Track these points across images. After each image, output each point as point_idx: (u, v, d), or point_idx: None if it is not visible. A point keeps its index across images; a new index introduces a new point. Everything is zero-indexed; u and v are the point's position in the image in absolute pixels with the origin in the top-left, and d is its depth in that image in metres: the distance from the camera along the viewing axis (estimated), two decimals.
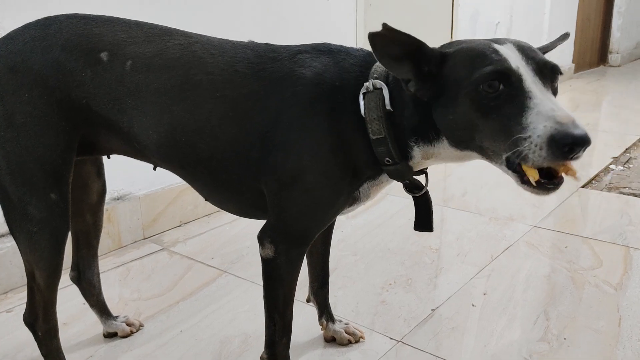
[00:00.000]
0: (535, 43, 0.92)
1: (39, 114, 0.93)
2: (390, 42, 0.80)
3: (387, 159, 0.92)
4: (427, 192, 1.01)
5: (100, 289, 1.29)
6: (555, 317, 1.36)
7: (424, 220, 1.04)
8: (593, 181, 2.39)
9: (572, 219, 1.98)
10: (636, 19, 6.99)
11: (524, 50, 0.81)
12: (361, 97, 0.91)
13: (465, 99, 0.80)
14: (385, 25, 0.77)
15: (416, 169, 0.96)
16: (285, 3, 2.24)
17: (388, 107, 0.89)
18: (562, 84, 5.13)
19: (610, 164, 2.61)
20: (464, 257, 1.69)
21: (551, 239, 1.81)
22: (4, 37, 0.97)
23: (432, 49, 0.84)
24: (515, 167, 0.79)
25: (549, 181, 0.78)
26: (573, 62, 5.57)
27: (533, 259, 1.67)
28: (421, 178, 1.01)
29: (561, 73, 0.85)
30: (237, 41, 1.01)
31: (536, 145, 0.73)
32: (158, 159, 1.02)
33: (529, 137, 0.74)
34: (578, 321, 1.34)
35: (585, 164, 2.61)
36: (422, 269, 1.62)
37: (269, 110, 0.93)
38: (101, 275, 1.29)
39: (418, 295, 1.48)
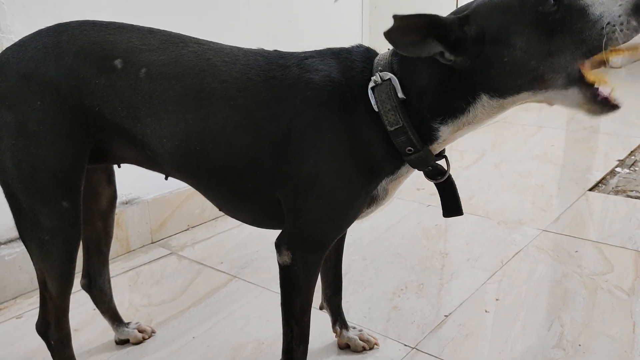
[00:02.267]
0: None
1: (51, 121, 0.92)
2: (405, 31, 0.80)
3: (409, 147, 0.91)
4: (450, 176, 1.00)
5: (111, 296, 1.28)
6: (569, 323, 1.35)
7: (452, 205, 1.02)
8: (600, 184, 2.39)
9: (580, 222, 1.98)
10: None
11: None
12: (370, 91, 0.90)
13: (524, 29, 0.81)
14: (395, 17, 0.78)
15: (437, 150, 0.95)
16: (292, 7, 2.23)
17: (401, 95, 0.89)
18: None
19: (616, 167, 2.61)
20: (474, 261, 1.69)
21: (561, 243, 1.81)
22: (15, 44, 0.96)
23: (448, 18, 0.84)
24: (579, 80, 0.82)
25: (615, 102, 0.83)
26: None
27: (544, 263, 1.66)
28: (442, 163, 0.99)
29: None
30: (248, 49, 1.00)
31: (622, 24, 0.77)
32: (171, 168, 1.01)
33: (609, 22, 0.78)
34: (592, 327, 1.33)
35: (591, 167, 2.61)
36: (433, 273, 1.62)
37: (282, 118, 0.92)
38: (111, 281, 1.28)
39: (430, 301, 1.47)
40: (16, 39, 0.97)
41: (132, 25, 0.99)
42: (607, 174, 2.51)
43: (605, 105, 0.83)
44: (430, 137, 0.91)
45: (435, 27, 0.82)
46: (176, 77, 0.94)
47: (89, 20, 0.98)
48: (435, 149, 0.94)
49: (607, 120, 3.73)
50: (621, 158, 2.74)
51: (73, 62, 0.92)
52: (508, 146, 3.04)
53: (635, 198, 2.21)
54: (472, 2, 0.87)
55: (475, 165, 2.68)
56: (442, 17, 0.83)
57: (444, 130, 0.91)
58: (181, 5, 1.82)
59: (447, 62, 0.84)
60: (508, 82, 0.84)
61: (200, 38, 1.01)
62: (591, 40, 0.79)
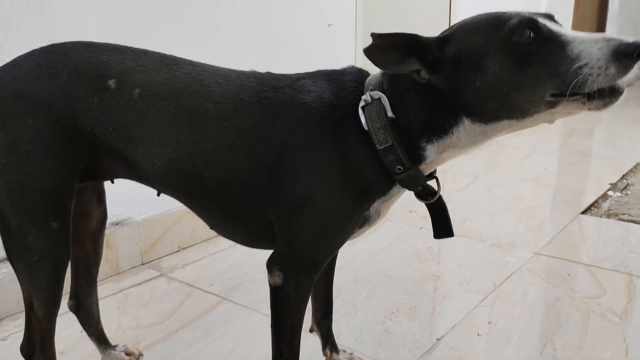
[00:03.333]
0: None
1: (43, 141, 0.92)
2: (385, 49, 0.82)
3: (398, 166, 0.91)
4: (440, 197, 1.00)
5: (99, 318, 1.26)
6: (562, 347, 1.34)
7: (442, 226, 1.02)
8: (592, 207, 2.40)
9: (573, 245, 1.98)
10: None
11: (534, 13, 0.85)
12: (360, 110, 0.91)
13: (497, 56, 0.81)
14: (373, 35, 0.80)
15: (427, 171, 0.95)
16: (287, 30, 2.26)
17: (390, 114, 0.89)
18: None
19: (609, 190, 2.62)
20: (467, 284, 1.68)
21: (553, 266, 1.80)
22: (8, 64, 0.96)
23: (428, 37, 0.85)
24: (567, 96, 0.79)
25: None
26: None
27: (536, 286, 1.66)
28: (432, 184, 1.00)
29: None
30: (241, 70, 1.01)
31: (600, 68, 0.75)
32: (162, 187, 1.01)
33: (587, 63, 0.76)
34: (585, 351, 1.32)
35: (584, 190, 2.62)
36: (425, 296, 1.61)
37: (274, 138, 0.92)
38: (99, 302, 1.27)
39: (422, 323, 1.45)
40: (9, 59, 0.98)
41: (126, 46, 1.00)
42: (600, 197, 2.52)
43: (606, 96, 0.79)
44: (418, 156, 0.91)
45: (414, 46, 0.84)
46: (169, 98, 0.94)
47: (83, 41, 0.99)
48: (425, 169, 0.95)
49: (599, 144, 3.76)
50: (613, 181, 2.76)
51: (66, 82, 0.93)
52: (501, 169, 3.05)
53: (628, 221, 2.21)
54: (455, 24, 0.89)
55: (469, 188, 2.68)
56: (421, 36, 0.85)
57: (430, 150, 0.91)
58: (177, 29, 1.84)
59: (422, 80, 0.85)
60: (484, 107, 0.84)
61: (194, 60, 1.02)
62: (565, 77, 0.77)
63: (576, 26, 5.70)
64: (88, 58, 0.95)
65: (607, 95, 0.78)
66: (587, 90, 0.76)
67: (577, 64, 0.76)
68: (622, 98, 0.81)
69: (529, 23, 0.80)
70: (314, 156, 0.91)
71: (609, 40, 0.77)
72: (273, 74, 1.00)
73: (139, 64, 0.96)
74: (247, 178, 0.94)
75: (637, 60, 0.76)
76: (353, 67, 0.99)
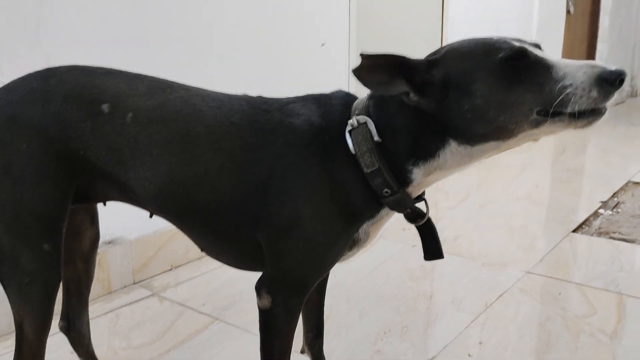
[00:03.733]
0: None
1: (37, 164, 0.93)
2: (373, 69, 0.84)
3: (386, 189, 0.92)
4: (429, 219, 1.01)
5: (89, 339, 1.26)
6: None
7: (432, 248, 1.03)
8: (583, 226, 2.42)
9: (564, 264, 1.99)
10: (617, 64, 7.20)
11: (523, 41, 0.88)
12: (347, 134, 0.92)
13: (486, 80, 0.83)
14: (362, 55, 0.81)
15: (415, 194, 0.96)
16: (281, 50, 2.28)
17: (376, 138, 0.91)
18: None
19: (599, 209, 2.64)
20: (458, 303, 1.68)
21: (544, 285, 1.81)
22: (3, 88, 0.97)
23: (417, 59, 0.87)
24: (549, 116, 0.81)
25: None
26: None
27: (527, 306, 1.67)
28: (421, 206, 1.01)
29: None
30: (232, 94, 1.03)
31: (583, 90, 0.78)
32: (154, 209, 1.02)
33: (571, 84, 0.79)
34: None
35: (575, 209, 2.64)
36: (417, 316, 1.61)
37: (263, 161, 0.94)
38: (90, 322, 1.26)
39: (414, 344, 1.46)
40: (5, 80, 0.99)
41: (121, 70, 1.01)
42: (591, 216, 2.54)
43: (589, 116, 0.81)
44: (405, 179, 0.93)
45: (403, 68, 0.85)
46: (162, 122, 0.95)
47: (77, 65, 1.00)
48: (413, 192, 0.96)
49: (590, 161, 3.80)
50: (604, 199, 2.78)
51: (61, 106, 0.94)
52: (493, 186, 3.07)
53: (618, 240, 2.23)
54: (443, 47, 0.91)
55: (460, 205, 2.70)
56: (409, 58, 0.86)
57: (416, 173, 0.92)
58: (172, 51, 1.86)
59: (411, 103, 0.87)
60: (472, 130, 0.86)
61: (188, 84, 1.03)
62: (550, 96, 0.80)
63: (567, 45, 5.78)
64: (83, 82, 0.96)
65: (589, 114, 0.81)
66: (569, 110, 0.80)
67: (561, 84, 0.79)
68: (604, 118, 0.84)
69: (519, 53, 0.82)
70: (302, 178, 0.92)
71: (593, 66, 0.80)
72: (264, 97, 1.02)
73: (132, 88, 0.98)
74: (237, 200, 0.95)
75: (618, 88, 0.80)
76: (341, 91, 1.01)
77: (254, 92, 1.04)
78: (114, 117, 0.95)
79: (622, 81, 0.79)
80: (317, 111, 0.96)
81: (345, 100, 0.98)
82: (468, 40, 0.89)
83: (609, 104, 0.83)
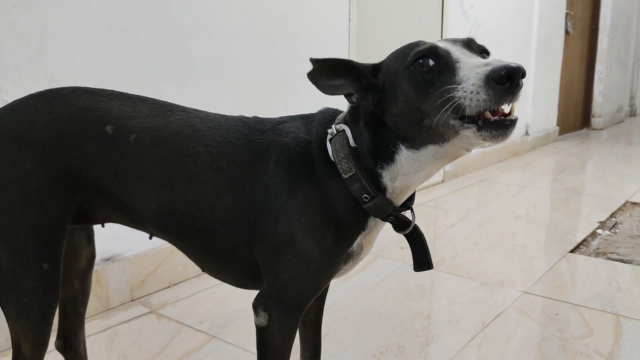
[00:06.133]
0: (520, 109, 0.97)
1: (39, 184, 0.94)
2: (324, 72, 0.89)
3: (365, 195, 0.93)
4: (417, 228, 1.01)
5: (86, 358, 1.26)
6: None
7: (421, 259, 1.03)
8: (581, 246, 2.42)
9: (561, 284, 1.99)
10: (616, 84, 7.27)
11: (451, 38, 0.89)
12: (328, 143, 0.96)
13: (402, 85, 0.86)
14: (312, 60, 0.87)
15: (397, 201, 0.97)
16: (280, 69, 2.31)
17: (352, 144, 0.94)
18: (547, 146, 5.28)
19: (597, 229, 2.65)
20: (455, 323, 1.69)
21: (541, 305, 1.82)
22: (6, 108, 0.99)
23: (363, 64, 0.92)
24: (468, 120, 0.78)
25: (502, 118, 0.77)
26: (557, 125, 5.73)
27: (524, 326, 1.67)
28: (407, 215, 1.01)
29: (487, 51, 0.90)
30: (230, 115, 1.07)
31: (471, 92, 0.75)
32: (156, 229, 1.03)
33: (463, 87, 0.76)
34: None
35: (573, 229, 2.65)
36: (414, 336, 1.61)
37: (258, 180, 0.96)
38: (87, 339, 1.27)
39: None
40: (8, 99, 1.01)
41: (124, 93, 1.04)
42: (589, 236, 2.55)
43: (499, 126, 0.77)
44: (378, 184, 0.94)
45: (350, 71, 0.90)
46: (164, 143, 0.98)
47: (81, 87, 1.02)
48: (394, 199, 0.96)
49: (589, 181, 3.81)
50: (602, 219, 2.79)
51: (64, 127, 0.96)
52: (492, 205, 3.08)
53: (616, 260, 2.23)
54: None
55: (460, 224, 2.71)
56: (355, 62, 0.91)
57: (385, 177, 0.94)
58: (172, 72, 1.88)
59: (352, 103, 0.93)
60: (407, 132, 0.88)
61: (187, 106, 1.06)
62: (448, 100, 0.78)
63: (566, 65, 5.84)
64: (87, 104, 0.98)
65: (495, 126, 0.77)
66: (459, 116, 0.77)
67: (458, 86, 0.77)
68: (515, 131, 0.79)
69: (428, 51, 0.83)
70: (293, 194, 0.94)
71: (487, 64, 0.75)
72: (259, 118, 1.05)
73: (135, 110, 1.00)
74: (235, 218, 0.96)
75: (512, 88, 0.74)
76: (329, 108, 1.05)
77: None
78: (118, 138, 0.97)
79: (511, 78, 0.73)
80: (303, 127, 1.00)
81: (331, 114, 1.02)
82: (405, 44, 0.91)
83: (515, 110, 0.78)
